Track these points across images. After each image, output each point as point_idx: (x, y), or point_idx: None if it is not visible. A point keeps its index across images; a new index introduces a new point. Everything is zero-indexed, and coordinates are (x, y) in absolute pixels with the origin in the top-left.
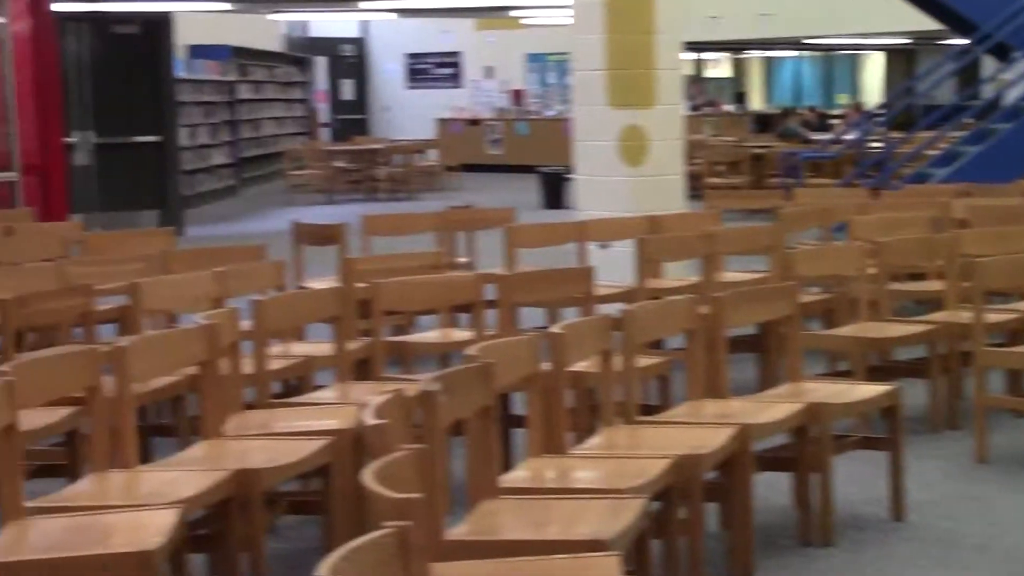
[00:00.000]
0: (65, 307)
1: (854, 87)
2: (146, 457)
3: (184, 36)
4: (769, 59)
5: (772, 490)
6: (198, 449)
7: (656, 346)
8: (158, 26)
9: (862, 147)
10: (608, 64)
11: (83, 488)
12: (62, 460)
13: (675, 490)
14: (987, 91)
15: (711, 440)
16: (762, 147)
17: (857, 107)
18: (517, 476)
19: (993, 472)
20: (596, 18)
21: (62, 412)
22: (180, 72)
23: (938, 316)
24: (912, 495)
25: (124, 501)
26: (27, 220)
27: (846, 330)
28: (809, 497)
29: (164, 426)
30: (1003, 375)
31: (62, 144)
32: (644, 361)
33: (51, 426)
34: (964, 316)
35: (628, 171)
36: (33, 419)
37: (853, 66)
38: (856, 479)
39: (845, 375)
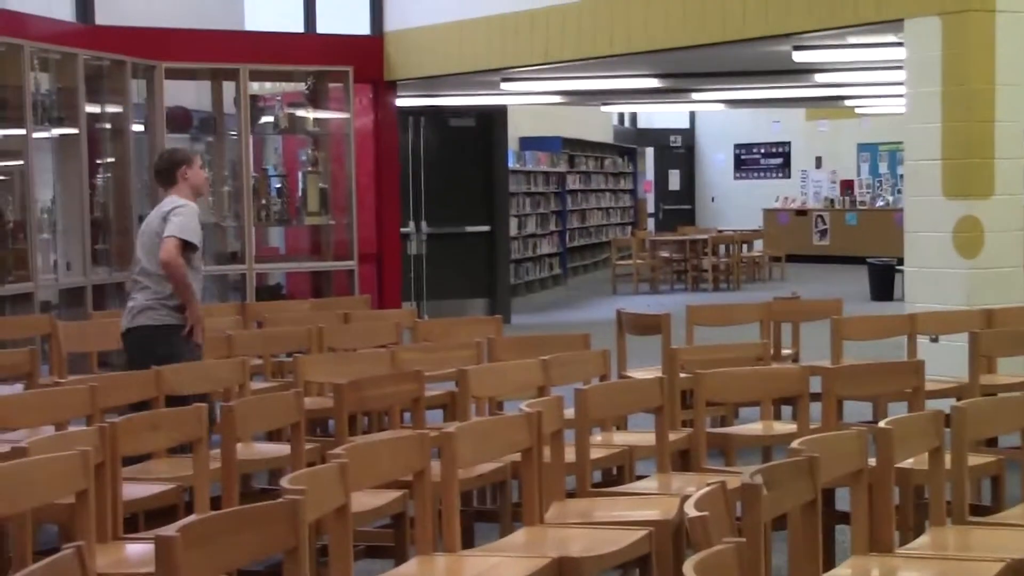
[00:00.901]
0: (396, 392)
1: None
2: (469, 542)
3: (516, 128)
4: None
5: None
6: (520, 536)
7: (990, 444)
8: (492, 119)
9: None
10: (943, 153)
11: (409, 570)
12: (389, 542)
13: None
14: None
15: None
16: None
17: None
18: (841, 574)
19: None
20: (932, 106)
21: (391, 495)
22: (511, 163)
23: None
24: None
25: None
26: (363, 307)
27: None
28: None
29: (487, 511)
30: None
31: (398, 234)
32: (976, 459)
33: (380, 508)
34: None
35: (962, 263)
36: (363, 501)
37: None
38: None
39: None
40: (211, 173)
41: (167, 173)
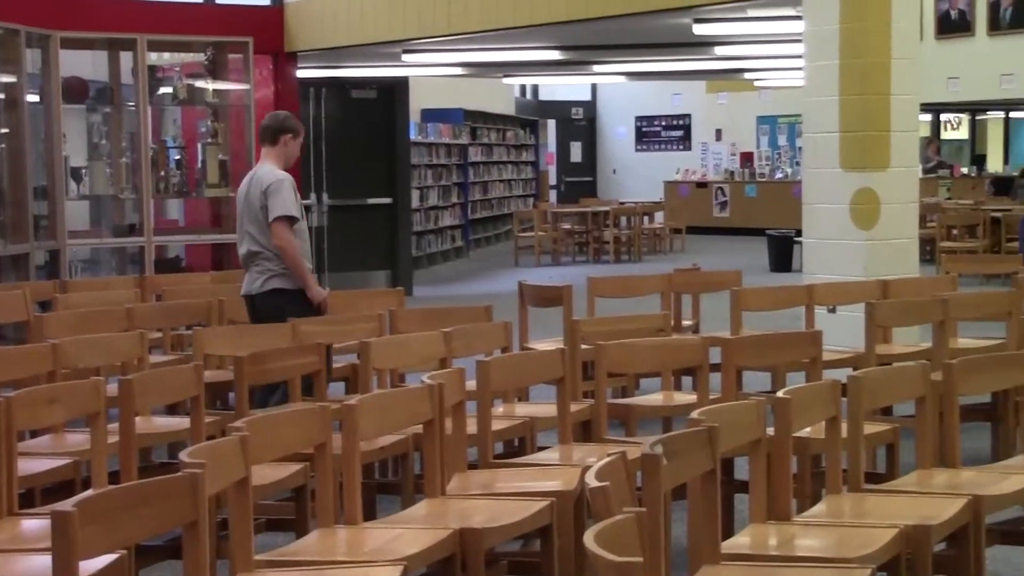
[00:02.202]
0: (297, 365)
1: None
2: (371, 514)
3: (418, 100)
4: (1009, 120)
5: (1006, 565)
6: (422, 507)
7: (885, 413)
8: (394, 91)
9: None
10: (841, 126)
11: (310, 543)
12: (290, 515)
13: (903, 561)
14: None
15: (941, 511)
16: (1001, 210)
17: None
18: (740, 542)
19: None
20: (830, 80)
21: (291, 468)
22: (413, 135)
23: None
24: None
25: (349, 557)
26: None
27: None
28: None
29: (389, 484)
30: None
31: None
32: (872, 428)
33: (281, 481)
34: None
35: (859, 234)
36: (264, 474)
37: None
38: None
39: None
40: (109, 144)
41: (272, 133)
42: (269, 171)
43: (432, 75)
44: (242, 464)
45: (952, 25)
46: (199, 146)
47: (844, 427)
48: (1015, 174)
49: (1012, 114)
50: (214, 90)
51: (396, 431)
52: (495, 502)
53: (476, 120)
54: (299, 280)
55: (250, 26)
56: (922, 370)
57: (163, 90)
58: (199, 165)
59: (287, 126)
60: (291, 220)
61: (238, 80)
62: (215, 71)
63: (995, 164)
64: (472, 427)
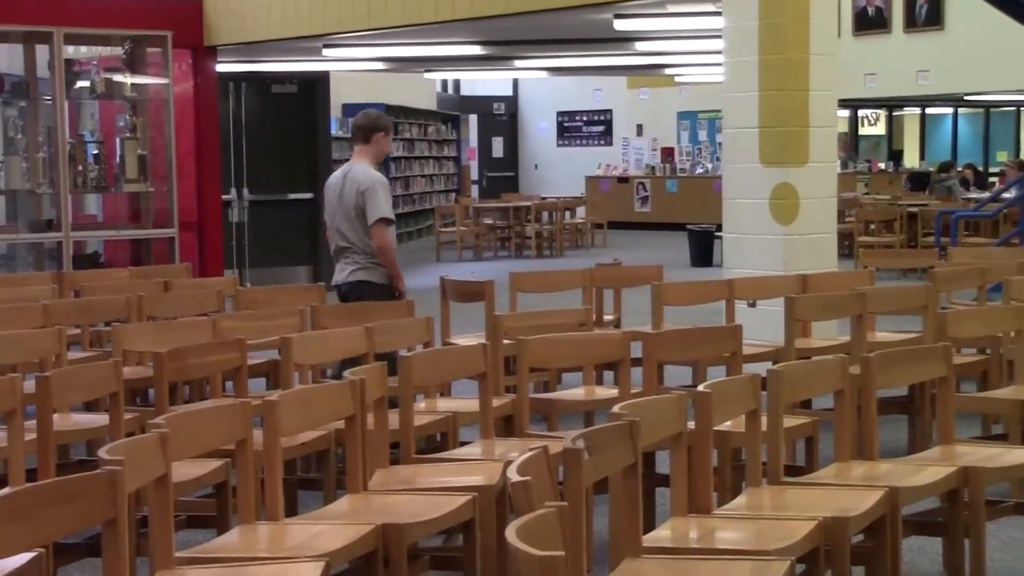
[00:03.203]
0: (217, 361)
1: (1015, 144)
2: (293, 510)
3: (340, 95)
4: (926, 116)
5: (922, 555)
6: (343, 503)
7: (804, 406)
8: (315, 85)
9: (1022, 206)
10: (760, 121)
11: (231, 540)
12: (211, 511)
13: (821, 553)
14: None
15: (859, 502)
16: (917, 205)
17: (1019, 165)
18: (661, 535)
19: None
20: (750, 75)
21: (212, 464)
22: (335, 130)
23: None
24: None
25: (271, 553)
26: (184, 275)
27: (1002, 392)
28: (961, 563)
29: (311, 480)
30: None
31: (219, 201)
32: (791, 421)
33: (201, 478)
34: None
35: (779, 229)
36: (184, 471)
37: (1014, 123)
38: (1010, 546)
39: (1000, 439)
40: (25, 139)
41: (365, 132)
42: (364, 171)
43: (353, 70)
44: (162, 461)
45: (869, 22)
46: (117, 141)
47: (764, 420)
48: (931, 170)
49: (928, 110)
50: (132, 84)
51: (318, 427)
52: (417, 497)
53: (397, 115)
54: (393, 276)
55: (169, 20)
56: (840, 364)
57: (80, 84)
58: (118, 160)
59: (379, 124)
60: (388, 221)
61: (157, 74)
62: (133, 65)
63: (912, 160)
64: (394, 422)
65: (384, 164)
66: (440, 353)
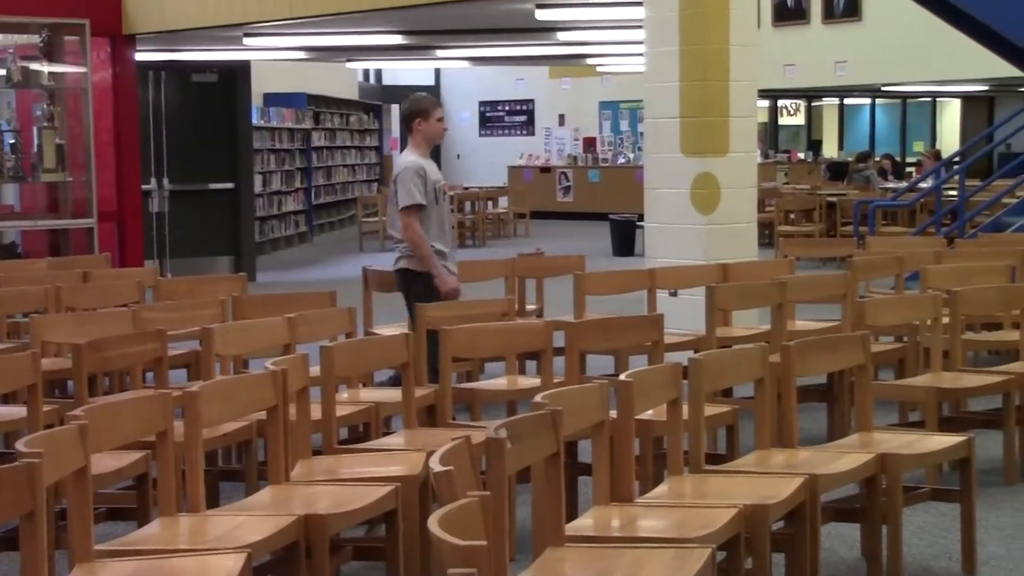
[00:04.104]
0: (138, 352)
1: (931, 134)
2: (214, 502)
3: (261, 84)
4: (844, 106)
5: (840, 542)
6: (265, 494)
7: (725, 395)
8: (236, 75)
9: (938, 195)
10: (681, 112)
11: (152, 532)
12: (131, 504)
13: (742, 540)
14: None
15: (779, 490)
16: (836, 195)
17: (935, 155)
18: (583, 524)
19: None
20: (670, 66)
21: (133, 456)
22: (256, 120)
23: (1014, 367)
24: (984, 548)
25: (192, 545)
26: (103, 266)
27: (919, 380)
28: (878, 549)
29: (232, 471)
30: None
31: (139, 191)
32: (712, 410)
33: (121, 470)
34: None
35: (700, 219)
36: (104, 463)
37: (930, 113)
38: (927, 531)
39: (917, 426)
40: None
41: (405, 122)
42: (402, 158)
43: (274, 59)
44: (81, 453)
45: (788, 13)
46: (35, 130)
47: (685, 409)
48: (850, 160)
49: (846, 100)
50: (50, 73)
51: (239, 418)
52: (340, 488)
53: (319, 105)
54: (421, 262)
55: (86, 8)
56: (761, 352)
57: None
58: (35, 149)
59: (413, 110)
60: (417, 208)
61: (75, 63)
62: (51, 53)
63: (830, 150)
64: (317, 413)
65: (306, 154)
66: (363, 343)
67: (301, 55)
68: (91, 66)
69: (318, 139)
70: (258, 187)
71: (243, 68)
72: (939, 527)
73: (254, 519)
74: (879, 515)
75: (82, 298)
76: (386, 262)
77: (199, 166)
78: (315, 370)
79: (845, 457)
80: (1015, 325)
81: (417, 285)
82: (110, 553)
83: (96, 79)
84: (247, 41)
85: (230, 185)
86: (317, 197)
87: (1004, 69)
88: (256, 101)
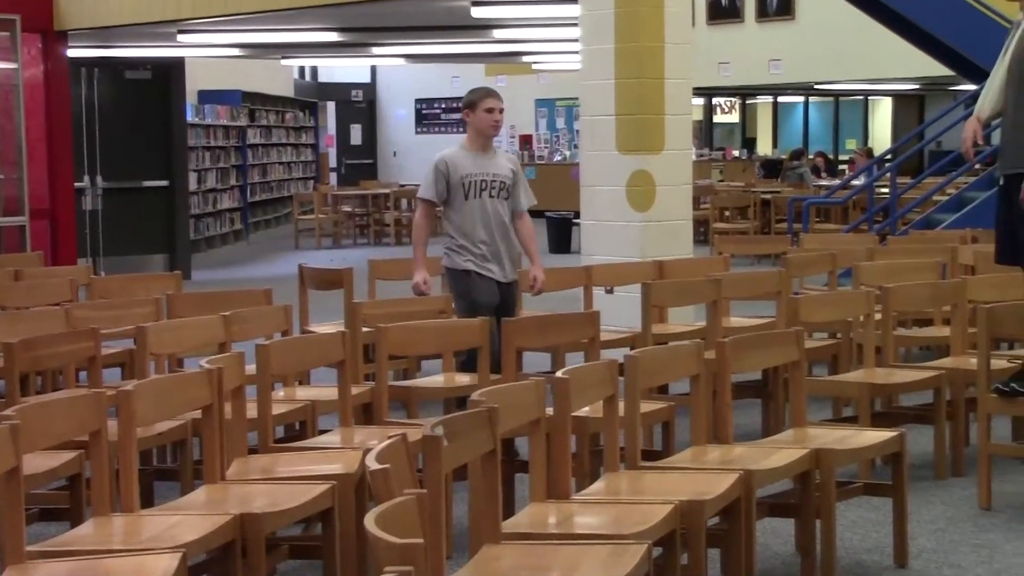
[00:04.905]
0: (71, 351)
1: (863, 132)
2: (149, 501)
3: (195, 81)
4: (778, 104)
5: (775, 536)
6: (201, 493)
7: (661, 391)
8: (170, 71)
9: (870, 193)
10: (617, 109)
11: (85, 532)
12: (65, 504)
13: (677, 536)
14: (995, 137)
15: (714, 486)
16: (770, 192)
17: (867, 153)
18: (519, 521)
19: (998, 519)
20: (606, 64)
21: (66, 456)
22: (190, 117)
23: (945, 362)
24: (916, 542)
25: (126, 545)
26: (35, 264)
27: (852, 376)
28: (812, 543)
29: (167, 470)
30: (1009, 422)
31: (71, 189)
32: (648, 406)
33: (54, 470)
34: (970, 362)
35: (635, 216)
36: (36, 463)
37: (862, 111)
38: (860, 526)
39: (850, 421)
40: None
41: (463, 113)
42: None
43: (209, 56)
44: (13, 453)
45: (722, 11)
46: None
47: (622, 406)
48: (784, 157)
49: (780, 99)
50: None
51: (174, 417)
52: (275, 486)
53: (255, 102)
54: (414, 257)
55: (17, 3)
56: (696, 349)
57: None
58: None
59: (464, 102)
60: (425, 201)
61: (5, 59)
62: None
63: (765, 147)
64: (252, 411)
65: (241, 152)
66: (299, 341)
67: (236, 52)
68: (22, 62)
69: (253, 136)
70: (193, 185)
71: (177, 65)
72: (872, 521)
73: (189, 518)
74: (813, 510)
75: (14, 297)
76: (322, 260)
77: (133, 163)
78: (251, 368)
79: (779, 453)
80: (945, 321)
81: (452, 281)
82: (43, 554)
83: (27, 75)
84: (181, 38)
85: (164, 182)
86: (253, 195)
87: (934, 68)
88: (191, 98)
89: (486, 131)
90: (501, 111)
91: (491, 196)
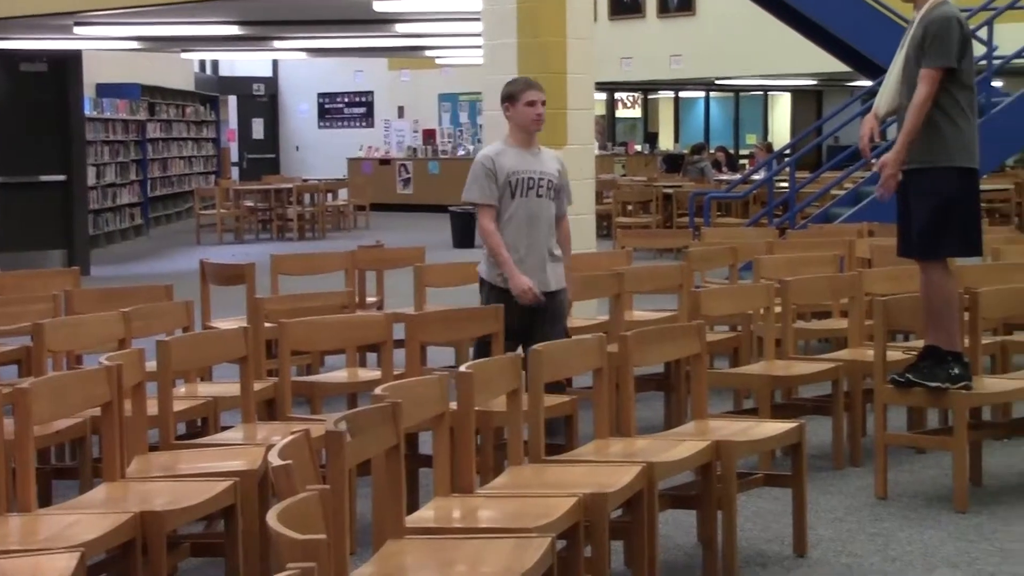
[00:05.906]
0: None
1: (763, 127)
2: (47, 500)
3: (93, 74)
4: (679, 99)
5: (677, 528)
6: (100, 492)
7: (566, 384)
8: (66, 64)
9: (770, 187)
10: None
11: None
12: None
13: (581, 529)
14: (891, 132)
15: (617, 479)
16: (672, 187)
17: (767, 147)
18: (423, 516)
19: (894, 507)
20: (507, 58)
21: None
22: (88, 111)
23: (842, 354)
24: (815, 531)
25: (23, 546)
26: None
27: (752, 368)
28: (714, 534)
29: (66, 468)
30: (904, 412)
31: None
32: (551, 400)
33: None
34: (867, 354)
35: None
36: None
37: (762, 107)
38: (760, 516)
39: (751, 413)
40: None
41: (502, 107)
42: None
43: (107, 48)
44: None
45: (624, 7)
46: None
47: (525, 400)
48: (685, 152)
49: (681, 94)
50: None
51: (72, 414)
52: (177, 484)
53: (154, 95)
54: (499, 266)
55: None
56: (599, 342)
57: None
58: None
59: (502, 96)
60: (485, 206)
61: None
62: None
63: (666, 142)
64: (153, 408)
65: (141, 146)
66: (200, 337)
67: (134, 45)
68: None
69: (153, 131)
70: (92, 179)
71: (74, 57)
72: (772, 512)
73: (88, 517)
74: (714, 501)
75: None
76: (224, 255)
77: (29, 157)
78: (151, 365)
79: (681, 445)
80: (843, 314)
81: (485, 292)
82: None
83: None
84: (78, 30)
85: (62, 177)
86: (153, 189)
87: (831, 64)
88: (88, 92)
89: (528, 126)
90: (544, 103)
91: (538, 196)
